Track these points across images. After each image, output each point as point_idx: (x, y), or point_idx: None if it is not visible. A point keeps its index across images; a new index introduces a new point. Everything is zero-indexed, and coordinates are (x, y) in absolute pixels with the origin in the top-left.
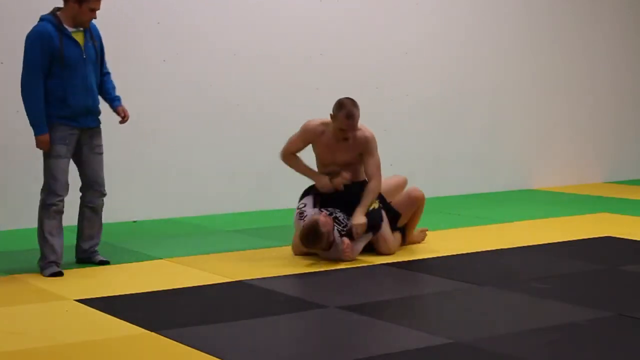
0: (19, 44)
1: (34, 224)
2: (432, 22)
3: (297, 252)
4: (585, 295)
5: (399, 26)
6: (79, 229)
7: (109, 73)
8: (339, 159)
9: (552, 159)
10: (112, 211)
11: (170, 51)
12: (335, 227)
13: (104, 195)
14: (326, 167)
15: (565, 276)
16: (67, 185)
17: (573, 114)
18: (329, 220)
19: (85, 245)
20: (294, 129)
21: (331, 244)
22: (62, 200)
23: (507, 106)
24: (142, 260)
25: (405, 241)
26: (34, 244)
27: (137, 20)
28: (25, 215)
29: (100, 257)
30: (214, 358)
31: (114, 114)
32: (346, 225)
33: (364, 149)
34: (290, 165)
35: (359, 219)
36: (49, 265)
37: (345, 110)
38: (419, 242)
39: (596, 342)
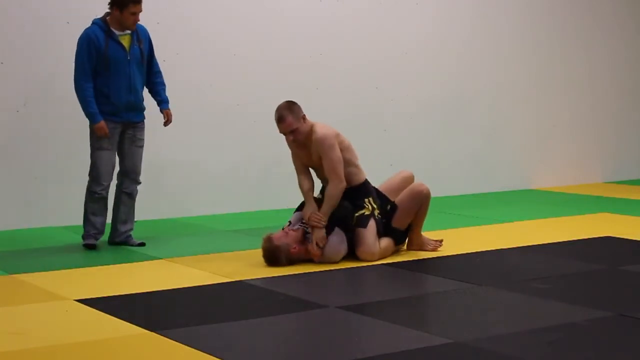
0: (19, 44)
1: (34, 224)
2: (432, 22)
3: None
4: (585, 295)
5: (399, 26)
6: (115, 213)
7: (158, 72)
8: (312, 164)
9: (552, 159)
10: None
11: (170, 51)
12: (307, 236)
13: (139, 183)
14: (315, 171)
15: (565, 276)
16: (111, 175)
17: (573, 114)
18: (294, 232)
19: (123, 228)
20: None
21: (295, 256)
22: (105, 189)
23: (507, 106)
24: (142, 260)
25: (411, 243)
26: (34, 244)
27: None
28: (25, 215)
29: (136, 241)
30: (214, 358)
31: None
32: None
33: (319, 151)
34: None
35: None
36: (88, 236)
37: (276, 114)
38: (429, 250)
39: (596, 342)
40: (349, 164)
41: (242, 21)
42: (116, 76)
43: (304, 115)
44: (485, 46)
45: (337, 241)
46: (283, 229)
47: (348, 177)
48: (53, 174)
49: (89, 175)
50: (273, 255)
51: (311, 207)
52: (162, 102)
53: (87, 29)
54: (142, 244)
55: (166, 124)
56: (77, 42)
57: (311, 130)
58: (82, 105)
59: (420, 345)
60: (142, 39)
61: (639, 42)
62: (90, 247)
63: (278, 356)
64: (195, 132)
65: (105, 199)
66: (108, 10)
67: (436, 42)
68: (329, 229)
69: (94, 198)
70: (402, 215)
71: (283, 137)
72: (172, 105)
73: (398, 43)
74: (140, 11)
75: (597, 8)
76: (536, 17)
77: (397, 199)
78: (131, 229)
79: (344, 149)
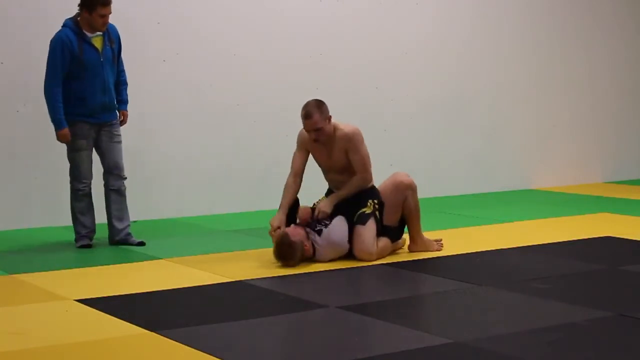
0: (18, 44)
1: (34, 224)
2: (432, 22)
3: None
4: (585, 295)
5: (399, 26)
6: (108, 212)
7: (123, 71)
8: (330, 164)
9: (552, 159)
10: None
11: (170, 51)
12: (310, 233)
13: (124, 178)
14: (326, 173)
15: (565, 276)
16: (90, 172)
17: (573, 114)
18: (299, 229)
19: (120, 225)
20: (294, 130)
21: (307, 254)
22: (87, 185)
23: (507, 106)
24: (142, 260)
25: (415, 244)
26: (34, 244)
27: (137, 20)
28: (25, 215)
29: (135, 239)
30: (214, 358)
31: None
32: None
33: (347, 147)
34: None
35: (325, 205)
36: (80, 238)
37: (304, 110)
38: (433, 250)
39: (596, 342)
40: None
41: (242, 21)
42: (91, 79)
43: (330, 116)
44: (485, 46)
45: (341, 231)
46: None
47: None
48: (53, 174)
49: (70, 175)
50: (290, 251)
51: (280, 218)
52: (122, 103)
53: (59, 33)
54: (142, 243)
55: (121, 124)
56: (49, 45)
57: (334, 129)
58: (50, 110)
59: (420, 345)
60: (113, 38)
61: (639, 42)
62: (86, 247)
63: (278, 356)
64: (195, 132)
65: (89, 196)
66: (78, 11)
67: (436, 42)
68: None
69: (78, 196)
70: (389, 210)
71: (283, 137)
72: (173, 105)
73: (398, 43)
74: (110, 13)
75: (597, 8)
76: (536, 17)
77: (383, 195)
78: (128, 225)
79: None
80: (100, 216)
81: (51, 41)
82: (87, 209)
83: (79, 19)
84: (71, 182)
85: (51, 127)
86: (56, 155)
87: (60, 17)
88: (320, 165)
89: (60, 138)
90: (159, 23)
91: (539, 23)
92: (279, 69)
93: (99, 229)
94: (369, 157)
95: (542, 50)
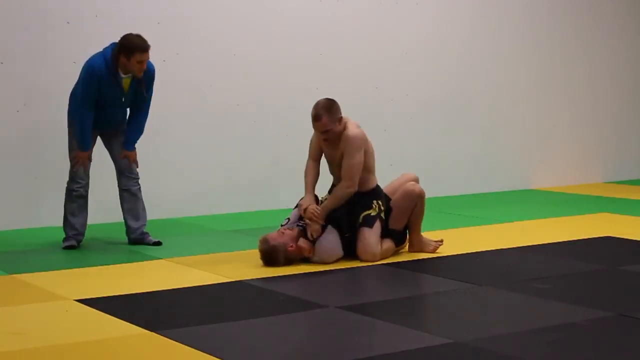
0: (19, 44)
1: (34, 224)
2: (432, 22)
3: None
4: (585, 295)
5: (399, 26)
6: (123, 211)
7: (146, 111)
8: (335, 159)
9: (552, 159)
10: (112, 211)
11: (170, 51)
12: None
13: (136, 178)
14: (330, 165)
15: (565, 276)
16: (87, 174)
17: (573, 114)
18: (287, 232)
19: (135, 225)
20: (294, 130)
21: (293, 255)
22: (82, 187)
23: (507, 106)
24: (142, 260)
25: (412, 245)
26: (34, 243)
27: (137, 20)
28: (25, 215)
29: (152, 239)
30: (214, 358)
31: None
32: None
33: (344, 148)
34: (305, 175)
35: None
36: (67, 239)
37: (314, 111)
38: (429, 251)
39: (596, 342)
40: (367, 169)
41: (242, 21)
42: (106, 110)
43: (341, 117)
44: (485, 46)
45: (331, 242)
46: (281, 226)
47: (361, 182)
48: (53, 174)
49: (69, 175)
50: (270, 256)
51: (309, 199)
52: (128, 143)
53: (94, 60)
54: (159, 243)
55: (123, 158)
56: (83, 66)
57: (344, 127)
58: (78, 132)
59: (420, 345)
60: (144, 83)
61: (639, 42)
62: (70, 248)
63: (278, 356)
64: (195, 132)
65: (84, 198)
66: (116, 44)
67: (436, 42)
68: (324, 227)
69: (72, 197)
70: (397, 215)
71: (283, 137)
72: (173, 105)
73: (398, 43)
74: (147, 59)
75: (597, 8)
76: (536, 17)
77: (392, 200)
78: (144, 225)
79: (368, 154)
80: (107, 216)
81: (86, 66)
82: (79, 211)
83: (117, 60)
84: (68, 182)
85: (51, 128)
86: (56, 155)
87: (61, 17)
88: (326, 157)
89: (78, 158)
90: (159, 23)
91: (539, 23)
92: (279, 69)
93: (102, 228)
94: (359, 166)
95: (542, 50)
